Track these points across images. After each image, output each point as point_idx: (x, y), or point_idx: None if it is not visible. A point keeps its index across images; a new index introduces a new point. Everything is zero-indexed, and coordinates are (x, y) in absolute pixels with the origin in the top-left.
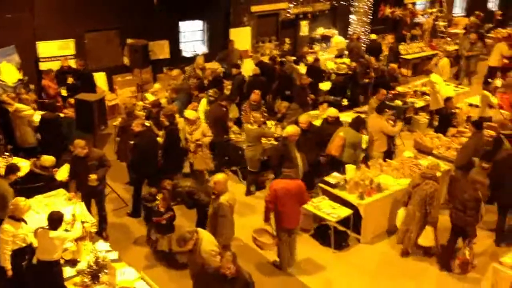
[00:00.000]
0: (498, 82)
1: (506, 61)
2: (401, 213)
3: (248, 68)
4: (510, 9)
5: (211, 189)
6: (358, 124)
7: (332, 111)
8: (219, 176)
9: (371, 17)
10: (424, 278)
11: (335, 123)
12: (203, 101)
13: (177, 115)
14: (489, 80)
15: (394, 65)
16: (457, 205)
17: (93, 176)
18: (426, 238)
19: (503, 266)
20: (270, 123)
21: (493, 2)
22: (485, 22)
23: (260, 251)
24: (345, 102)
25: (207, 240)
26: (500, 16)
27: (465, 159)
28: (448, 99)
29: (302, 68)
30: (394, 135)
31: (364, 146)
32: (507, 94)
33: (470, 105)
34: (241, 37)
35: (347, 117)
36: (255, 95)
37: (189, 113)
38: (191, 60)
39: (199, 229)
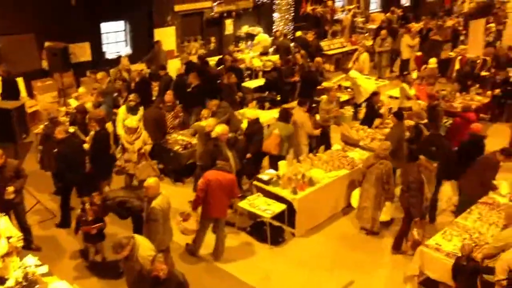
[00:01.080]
0: (414, 74)
1: (418, 53)
2: (356, 193)
3: (174, 69)
4: (421, 5)
5: (143, 193)
6: (287, 116)
7: (250, 113)
8: (150, 181)
9: (294, 14)
10: (359, 268)
11: (255, 123)
12: (122, 109)
13: None
14: (405, 72)
15: (319, 59)
16: (403, 187)
17: (10, 189)
18: (385, 213)
19: (428, 248)
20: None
21: None
22: (400, 18)
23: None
24: (278, 97)
25: (144, 246)
26: (401, 12)
27: (392, 147)
28: (375, 94)
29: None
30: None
31: None
32: (423, 85)
33: (390, 97)
34: (165, 37)
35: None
36: (168, 95)
37: (130, 121)
38: (115, 62)
39: (136, 235)
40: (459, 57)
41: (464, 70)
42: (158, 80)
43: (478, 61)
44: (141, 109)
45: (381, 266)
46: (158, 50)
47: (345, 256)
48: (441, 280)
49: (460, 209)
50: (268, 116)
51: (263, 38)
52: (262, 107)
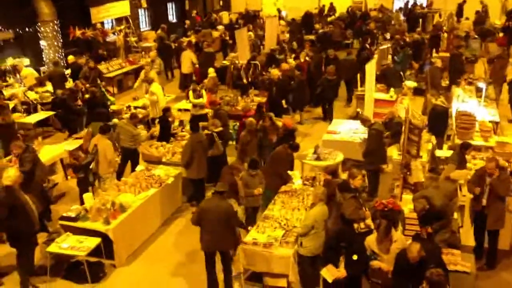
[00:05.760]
0: (191, 86)
1: (197, 66)
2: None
3: None
4: (188, 19)
5: None
6: None
7: None
8: None
9: (62, 40)
10: (187, 284)
11: None
12: None
13: None
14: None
15: (101, 83)
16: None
17: None
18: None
19: (247, 245)
20: None
21: (172, 14)
22: (170, 33)
23: None
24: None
25: None
26: (186, 26)
27: (187, 157)
28: (166, 109)
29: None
30: None
31: None
32: (208, 94)
33: (179, 110)
34: None
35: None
36: None
37: None
38: None
39: None
40: (233, 65)
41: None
42: None
43: (239, 63)
44: None
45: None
46: None
47: (169, 276)
48: (263, 271)
49: (266, 202)
50: (59, 150)
51: (29, 72)
52: None
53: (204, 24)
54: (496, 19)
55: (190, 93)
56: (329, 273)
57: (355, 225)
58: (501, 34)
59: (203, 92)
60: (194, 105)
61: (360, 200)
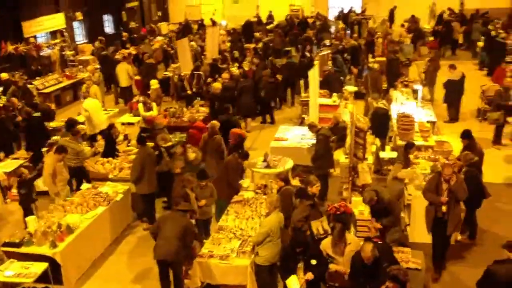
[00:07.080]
0: (141, 98)
1: (137, 77)
2: None
3: None
4: (126, 30)
5: None
6: None
7: None
8: None
9: None
10: None
11: None
12: None
13: None
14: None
15: (38, 99)
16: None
17: None
18: None
19: (203, 258)
20: None
21: (108, 26)
22: (108, 45)
23: None
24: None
25: None
26: (124, 38)
27: (137, 173)
28: (111, 126)
29: None
30: None
31: None
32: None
33: (123, 124)
34: None
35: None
36: None
37: None
38: None
39: None
40: (176, 76)
41: (180, 86)
42: None
43: (183, 74)
44: None
45: None
46: None
47: None
48: (221, 283)
49: (219, 213)
50: None
51: None
52: None
53: (143, 35)
54: (425, 24)
55: (140, 105)
56: (292, 282)
57: (315, 232)
58: (431, 38)
59: (153, 105)
60: (144, 118)
61: (318, 208)
